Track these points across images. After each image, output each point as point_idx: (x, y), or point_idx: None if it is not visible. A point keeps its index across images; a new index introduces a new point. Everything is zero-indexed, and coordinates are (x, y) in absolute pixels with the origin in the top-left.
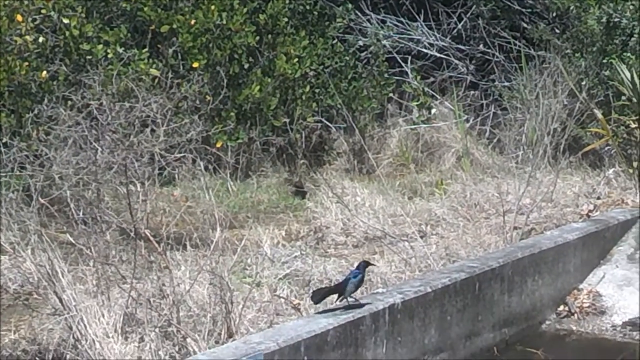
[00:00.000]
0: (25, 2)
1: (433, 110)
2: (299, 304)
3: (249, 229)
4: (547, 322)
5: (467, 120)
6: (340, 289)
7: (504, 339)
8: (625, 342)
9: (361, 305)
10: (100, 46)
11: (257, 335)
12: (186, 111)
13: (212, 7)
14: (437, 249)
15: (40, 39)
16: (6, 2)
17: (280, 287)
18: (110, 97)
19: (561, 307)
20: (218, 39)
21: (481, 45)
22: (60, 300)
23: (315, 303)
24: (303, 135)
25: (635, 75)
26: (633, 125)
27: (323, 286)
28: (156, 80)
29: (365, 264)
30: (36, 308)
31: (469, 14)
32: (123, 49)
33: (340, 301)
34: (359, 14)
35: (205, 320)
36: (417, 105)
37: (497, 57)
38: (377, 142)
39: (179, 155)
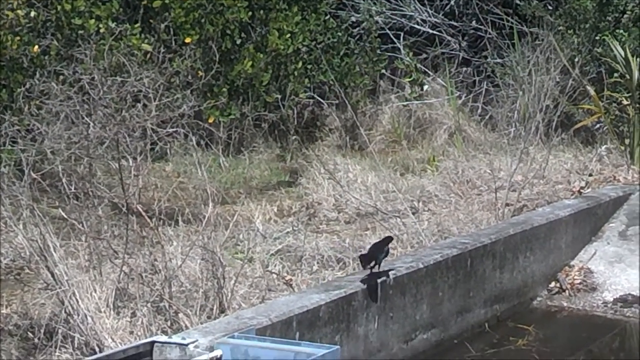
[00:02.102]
0: None
1: (425, 87)
2: (290, 279)
3: (241, 205)
4: (539, 299)
5: (460, 97)
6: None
7: (495, 315)
8: (616, 319)
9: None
10: (92, 21)
11: (249, 310)
12: (178, 86)
13: None
14: (429, 225)
15: (32, 14)
16: None
17: (272, 262)
18: (102, 71)
19: (552, 284)
20: (210, 14)
21: (474, 22)
22: (52, 275)
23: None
24: (295, 111)
25: (628, 52)
26: (625, 102)
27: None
28: (148, 55)
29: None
30: (28, 283)
31: None
32: (115, 23)
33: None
34: None
35: (197, 295)
36: (409, 81)
37: (490, 34)
38: (369, 119)
39: (171, 131)
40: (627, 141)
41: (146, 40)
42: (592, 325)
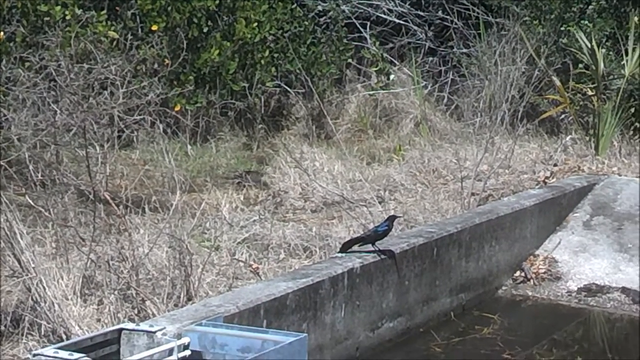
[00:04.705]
0: None
1: (391, 77)
2: (257, 267)
3: (208, 193)
4: (504, 288)
5: (426, 87)
6: (363, 237)
7: (460, 304)
8: (580, 308)
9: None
10: (59, 7)
11: (217, 298)
12: (145, 74)
13: None
14: (396, 214)
15: None
16: None
17: (239, 251)
18: (68, 58)
19: (517, 273)
20: (177, 2)
21: (440, 12)
22: (19, 262)
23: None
24: (262, 99)
25: (593, 43)
26: (590, 93)
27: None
28: (115, 43)
29: (393, 218)
30: None
31: None
32: (81, 10)
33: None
34: None
35: (165, 283)
36: (375, 71)
37: (456, 24)
38: (335, 108)
39: (137, 118)
40: (591, 132)
41: (113, 28)
42: (557, 314)
